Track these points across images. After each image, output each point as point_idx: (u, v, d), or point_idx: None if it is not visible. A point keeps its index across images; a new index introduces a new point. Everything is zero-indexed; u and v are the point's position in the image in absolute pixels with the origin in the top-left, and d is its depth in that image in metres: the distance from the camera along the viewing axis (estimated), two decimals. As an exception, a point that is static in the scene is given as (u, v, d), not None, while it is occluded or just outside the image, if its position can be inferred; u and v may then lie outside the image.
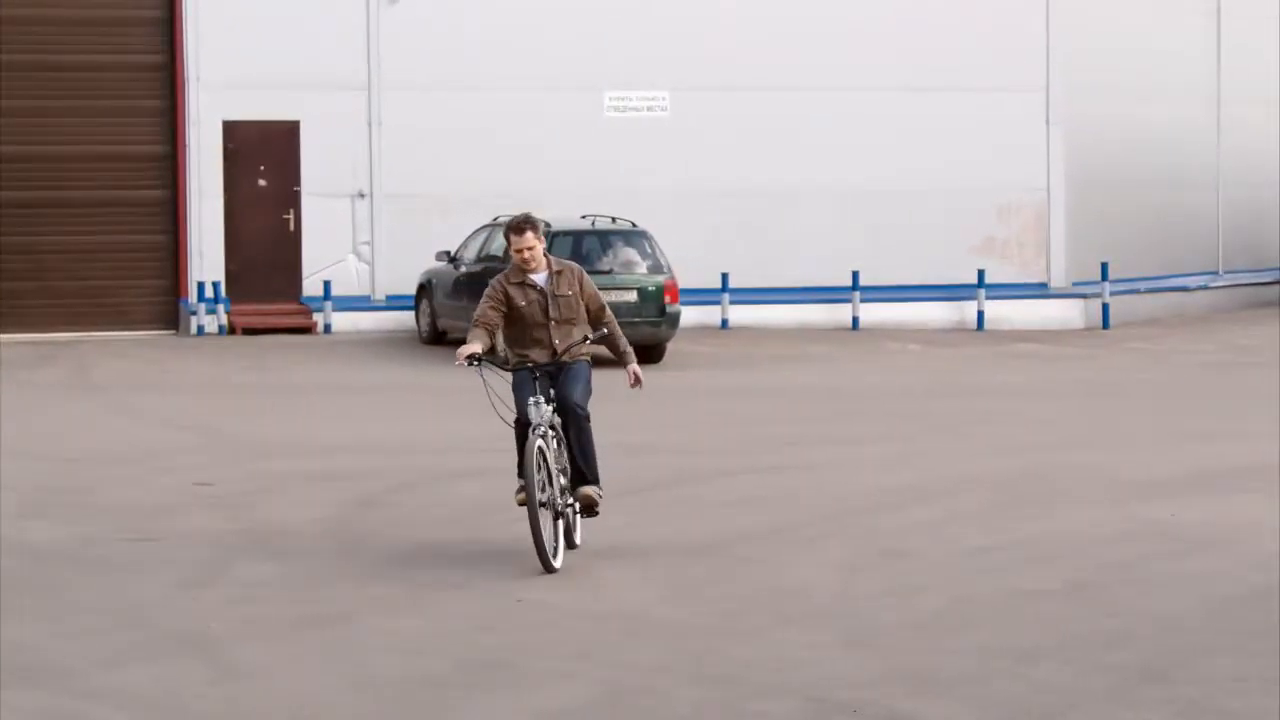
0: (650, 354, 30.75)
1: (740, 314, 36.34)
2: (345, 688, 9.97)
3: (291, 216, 36.70)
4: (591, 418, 15.17)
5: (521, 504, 14.47)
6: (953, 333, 36.09)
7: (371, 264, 35.21)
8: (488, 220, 32.92)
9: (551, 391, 14.96)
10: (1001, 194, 38.40)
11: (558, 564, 14.25)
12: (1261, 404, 24.17)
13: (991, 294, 36.90)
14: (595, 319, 15.40)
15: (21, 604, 12.60)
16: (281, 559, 14.42)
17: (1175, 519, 15.75)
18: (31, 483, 17.92)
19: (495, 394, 14.78)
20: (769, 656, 11.24)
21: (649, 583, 13.68)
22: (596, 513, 15.08)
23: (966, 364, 30.99)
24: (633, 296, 30.71)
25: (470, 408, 16.60)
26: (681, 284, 31.81)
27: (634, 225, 31.94)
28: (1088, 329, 37.06)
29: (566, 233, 31.34)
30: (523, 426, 14.65)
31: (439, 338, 33.51)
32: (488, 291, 15.18)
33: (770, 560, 14.42)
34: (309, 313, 36.11)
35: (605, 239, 31.62)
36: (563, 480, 14.72)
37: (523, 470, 14.62)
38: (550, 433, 14.89)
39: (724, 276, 36.05)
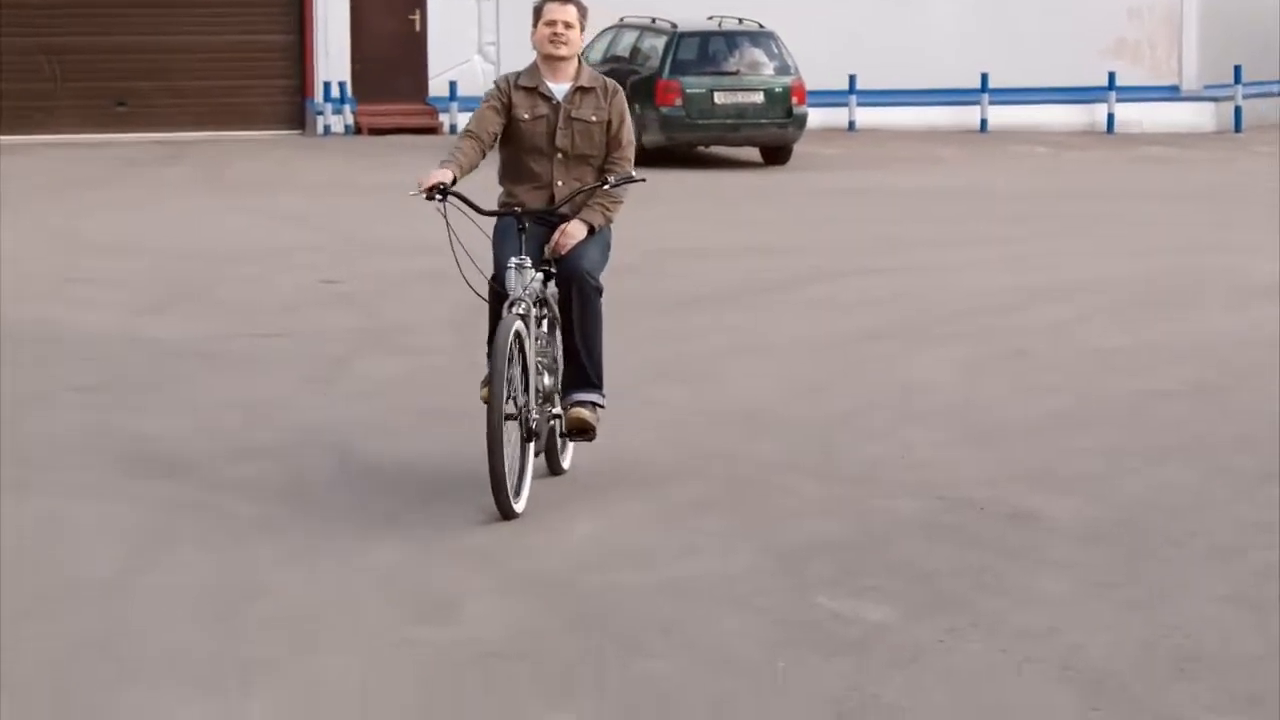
0: (777, 155, 30.91)
1: (867, 116, 36.25)
2: (475, 476, 10.05)
3: (417, 16, 36.65)
4: (604, 292, 10.85)
5: (486, 401, 10.39)
6: (1082, 136, 35.82)
7: (497, 64, 34.99)
8: (613, 22, 32.79)
9: (548, 249, 10.80)
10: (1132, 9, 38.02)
11: (519, 505, 9.96)
12: None
13: (1122, 97, 36.64)
14: (609, 157, 11.01)
15: (151, 399, 12.76)
16: (407, 355, 14.58)
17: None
18: (160, 279, 18.06)
19: (463, 248, 10.49)
20: (894, 454, 11.28)
21: (773, 380, 13.69)
22: (591, 438, 10.77)
23: (1095, 167, 30.78)
24: (759, 98, 30.75)
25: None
26: (808, 85, 31.50)
27: (761, 26, 31.78)
28: (1219, 133, 36.73)
29: (692, 34, 31.22)
30: (498, 297, 10.56)
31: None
32: (489, 91, 11.24)
33: (895, 359, 14.42)
34: (434, 113, 36.16)
35: (732, 40, 31.45)
36: (547, 381, 10.65)
37: (491, 360, 10.42)
38: (535, 311, 10.67)
39: (851, 78, 35.95)
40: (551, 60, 10.90)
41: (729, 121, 31.29)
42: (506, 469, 9.89)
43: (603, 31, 33.04)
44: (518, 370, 10.31)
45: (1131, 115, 36.66)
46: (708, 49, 31.17)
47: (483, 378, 10.52)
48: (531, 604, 8.34)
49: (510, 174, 11.12)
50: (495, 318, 10.53)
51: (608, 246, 11.09)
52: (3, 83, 34.25)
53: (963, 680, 7.54)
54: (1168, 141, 34.79)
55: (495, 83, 11.15)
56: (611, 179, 10.74)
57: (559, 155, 10.87)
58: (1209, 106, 37.49)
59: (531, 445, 10.35)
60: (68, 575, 8.95)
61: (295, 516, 9.99)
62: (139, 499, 10.16)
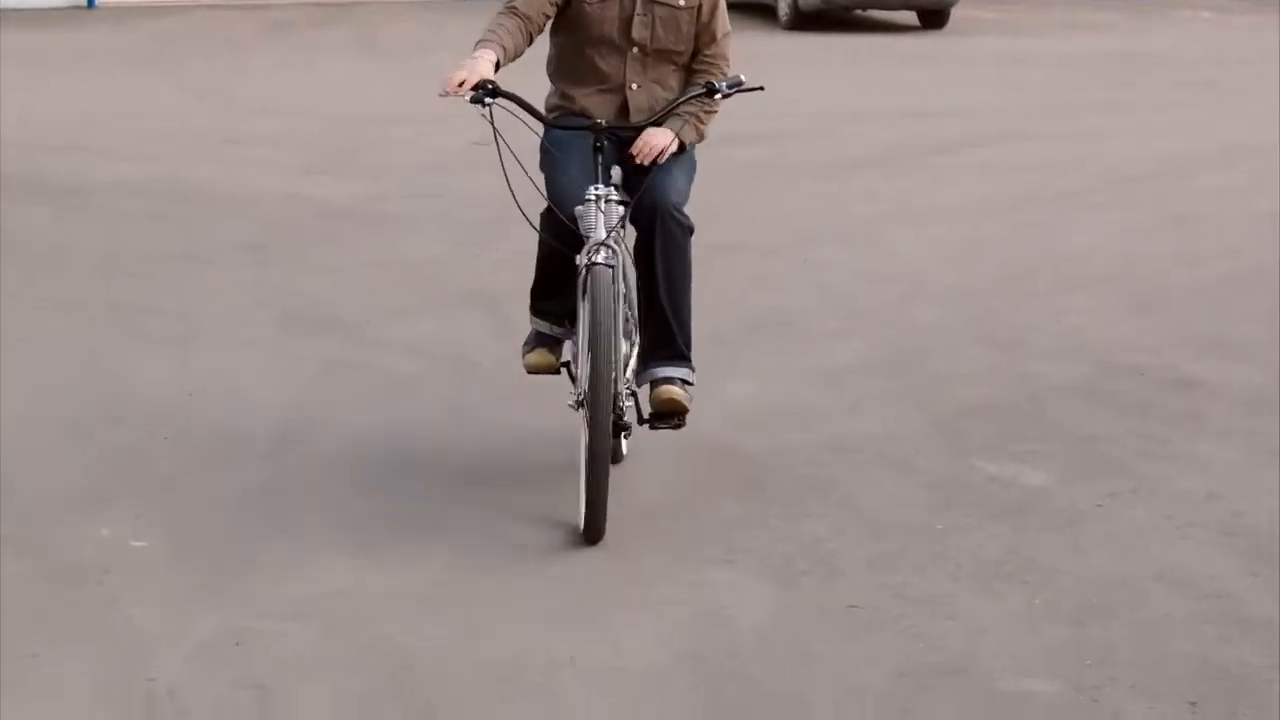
0: (934, 19, 30.56)
1: (1028, -22, 35.92)
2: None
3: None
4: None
5: (535, 371, 8.54)
6: (1247, 1, 35.40)
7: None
8: None
9: (616, 173, 8.11)
10: None
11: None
12: None
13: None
14: (698, 55, 8.29)
15: (310, 258, 12.87)
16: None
17: None
18: (316, 141, 18.13)
19: (515, 159, 7.81)
20: (1052, 320, 11.26)
21: (932, 244, 13.68)
22: (681, 424, 8.17)
23: (1264, 32, 30.39)
24: None
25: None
26: None
27: None
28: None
29: None
30: (561, 235, 7.95)
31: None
32: None
33: (1055, 225, 14.35)
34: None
35: None
36: (625, 350, 8.12)
37: (545, 317, 8.43)
38: (620, 255, 7.99)
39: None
40: None
41: (885, -16, 30.74)
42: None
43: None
44: (609, 343, 7.67)
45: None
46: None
47: (525, 338, 8.49)
48: (692, 464, 8.41)
49: (567, 71, 8.31)
50: (552, 263, 8.14)
51: (693, 170, 8.27)
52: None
53: (1121, 544, 7.57)
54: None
55: None
56: (721, 83, 8.01)
57: (634, 50, 8.12)
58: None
59: (623, 442, 8.25)
60: (230, 430, 9.09)
61: (452, 378, 10.16)
62: (299, 356, 10.31)
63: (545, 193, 8.07)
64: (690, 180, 8.20)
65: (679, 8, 8.10)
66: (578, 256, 7.82)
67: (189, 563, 7.40)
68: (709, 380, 9.38)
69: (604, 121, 8.00)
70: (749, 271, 12.43)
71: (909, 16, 31.10)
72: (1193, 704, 6.09)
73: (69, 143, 17.82)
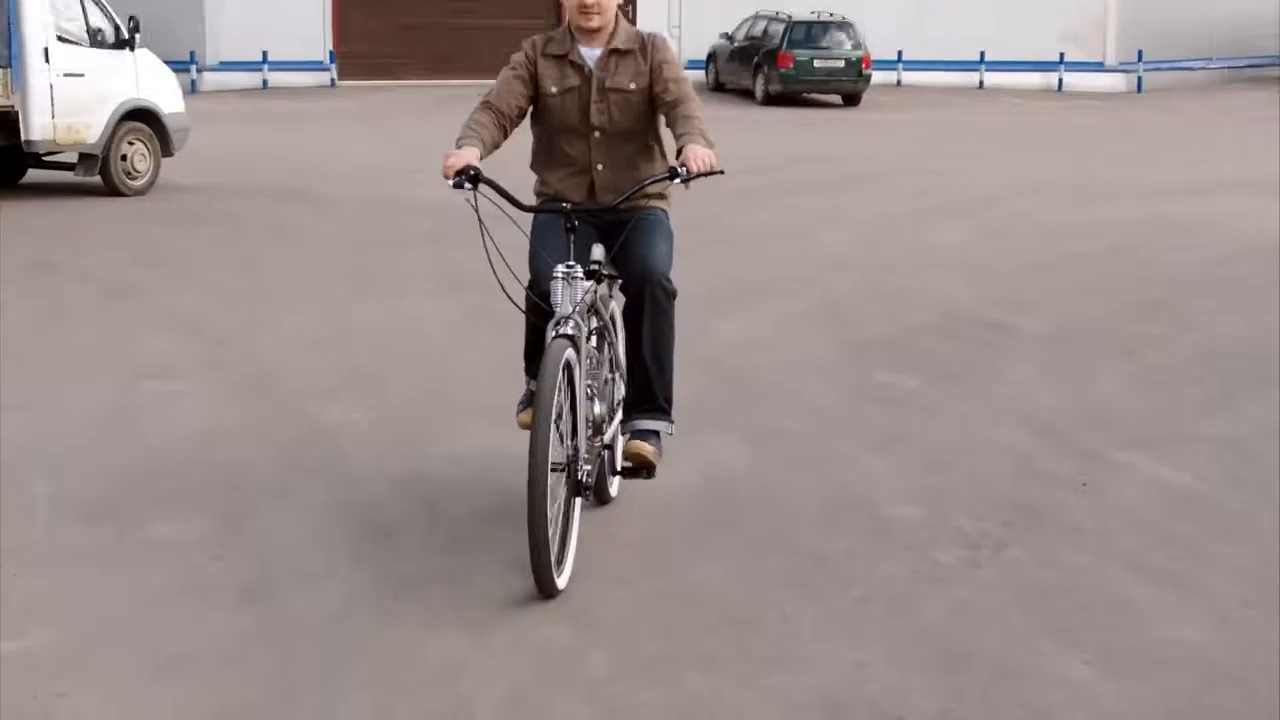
0: (852, 100, 31.70)
1: (909, 77, 36.11)
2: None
3: (629, 10, 36.09)
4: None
5: (525, 427, 5.79)
6: (1042, 92, 35.55)
7: (679, 39, 34.57)
8: (750, 13, 33.48)
9: (597, 251, 5.96)
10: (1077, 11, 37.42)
11: (562, 580, 5.41)
12: (1247, 141, 23.57)
13: (1068, 68, 36.50)
14: (669, 111, 6.01)
15: (465, 241, 12.86)
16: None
17: (1179, 210, 15.44)
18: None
19: (498, 250, 5.65)
20: (920, 287, 11.24)
21: (849, 238, 13.63)
22: (650, 475, 6.03)
23: (1051, 112, 30.41)
24: (842, 64, 31.75)
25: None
26: (873, 56, 32.04)
27: (844, 18, 32.23)
28: (1129, 92, 36.32)
29: (801, 22, 32.26)
30: (537, 309, 5.91)
31: (720, 87, 33.58)
32: (514, 58, 6.16)
33: (922, 228, 14.30)
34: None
35: (825, 26, 32.19)
36: (597, 409, 5.96)
37: (536, 382, 5.56)
38: (584, 328, 5.83)
39: (899, 52, 35.62)
40: (583, 31, 5.99)
41: (822, 79, 31.67)
42: (550, 534, 5.25)
43: (744, 20, 33.64)
44: (566, 405, 5.55)
45: (1073, 81, 36.50)
46: (810, 31, 32.09)
47: (520, 397, 6.18)
48: (697, 374, 8.42)
49: (542, 158, 6.13)
50: (536, 330, 5.91)
51: (672, 238, 6.05)
52: (365, 45, 34.47)
53: (959, 424, 7.54)
54: (1096, 97, 34.59)
55: (521, 46, 6.11)
56: (682, 170, 5.57)
57: (595, 134, 5.93)
58: (1122, 76, 37.14)
59: (578, 502, 5.67)
60: (411, 347, 9.10)
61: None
62: (459, 304, 10.29)
63: (529, 270, 5.85)
64: (671, 247, 6.00)
65: (629, 91, 5.88)
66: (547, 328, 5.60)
67: (389, 427, 7.41)
68: (707, 324, 9.37)
69: (569, 204, 5.77)
70: (735, 255, 12.38)
71: (836, 99, 32.20)
72: (1006, 523, 6.08)
73: (317, 170, 17.86)
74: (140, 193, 16.14)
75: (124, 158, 16.18)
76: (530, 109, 6.00)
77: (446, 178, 5.50)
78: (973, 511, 6.19)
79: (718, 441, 7.12)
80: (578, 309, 5.59)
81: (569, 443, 5.51)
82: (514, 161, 6.25)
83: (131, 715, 4.32)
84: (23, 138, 15.44)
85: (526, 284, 5.87)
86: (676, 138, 5.73)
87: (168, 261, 12.02)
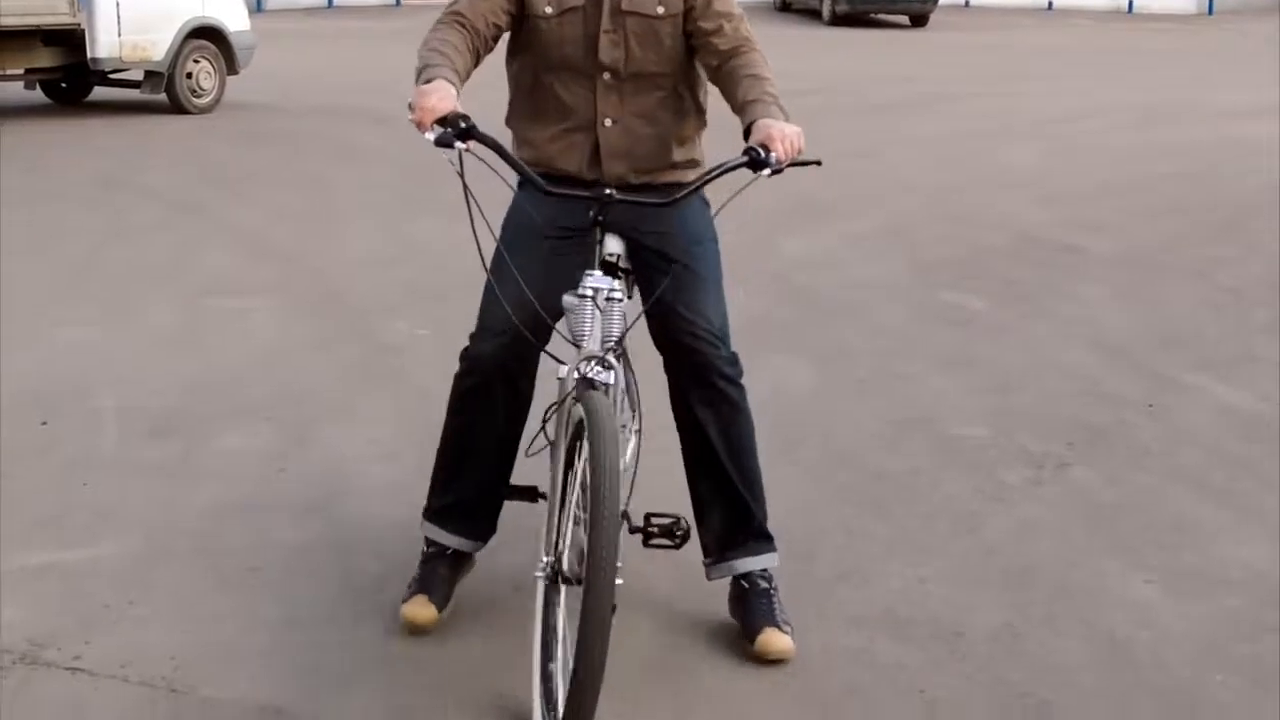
0: (920, 21, 31.28)
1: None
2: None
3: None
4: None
5: (414, 630, 4.22)
6: (1111, 14, 35.23)
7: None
8: None
9: (614, 241, 3.96)
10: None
11: None
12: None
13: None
14: (723, 63, 3.99)
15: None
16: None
17: (1250, 132, 15.26)
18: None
19: (489, 227, 4.01)
20: (990, 207, 11.19)
21: (917, 159, 13.58)
22: (679, 544, 4.00)
23: (1119, 34, 30.12)
24: None
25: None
26: None
27: None
28: (1199, 14, 35.90)
29: None
30: (504, 346, 4.06)
31: (786, 7, 33.25)
32: None
33: (989, 150, 14.22)
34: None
35: None
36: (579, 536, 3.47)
37: (450, 519, 4.31)
38: (612, 376, 3.64)
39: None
40: None
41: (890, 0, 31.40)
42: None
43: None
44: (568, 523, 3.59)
45: (1143, 2, 36.28)
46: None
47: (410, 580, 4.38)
48: (763, 291, 8.42)
49: (524, 108, 4.22)
50: (482, 403, 4.16)
51: (719, 262, 4.24)
52: None
53: (1027, 346, 7.53)
54: (1166, 19, 34.24)
55: None
56: (770, 155, 3.78)
57: (605, 76, 4.08)
58: (1194, -4, 36.90)
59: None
60: (474, 265, 9.13)
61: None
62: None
63: (513, 276, 3.99)
64: (720, 284, 4.18)
65: (656, 18, 4.02)
66: (563, 369, 3.72)
67: (452, 344, 7.48)
68: (772, 240, 9.34)
69: (611, 190, 3.75)
70: (802, 174, 12.29)
71: (904, 19, 31.86)
72: (1071, 443, 6.08)
73: (381, 89, 17.88)
74: (205, 111, 16.24)
75: (189, 76, 16.28)
76: (510, 34, 4.18)
77: (421, 128, 3.64)
78: (1038, 432, 6.19)
79: (783, 361, 7.13)
80: (611, 344, 3.74)
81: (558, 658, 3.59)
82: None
83: (200, 622, 4.41)
84: (89, 56, 15.57)
85: (487, 302, 4.19)
86: (740, 106, 3.96)
87: (233, 179, 12.11)
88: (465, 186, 3.76)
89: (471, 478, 4.27)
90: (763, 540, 4.29)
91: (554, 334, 4.01)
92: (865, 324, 7.90)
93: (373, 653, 4.16)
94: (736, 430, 4.17)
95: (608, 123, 4.09)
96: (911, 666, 4.16)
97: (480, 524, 4.38)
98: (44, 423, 6.16)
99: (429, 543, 4.38)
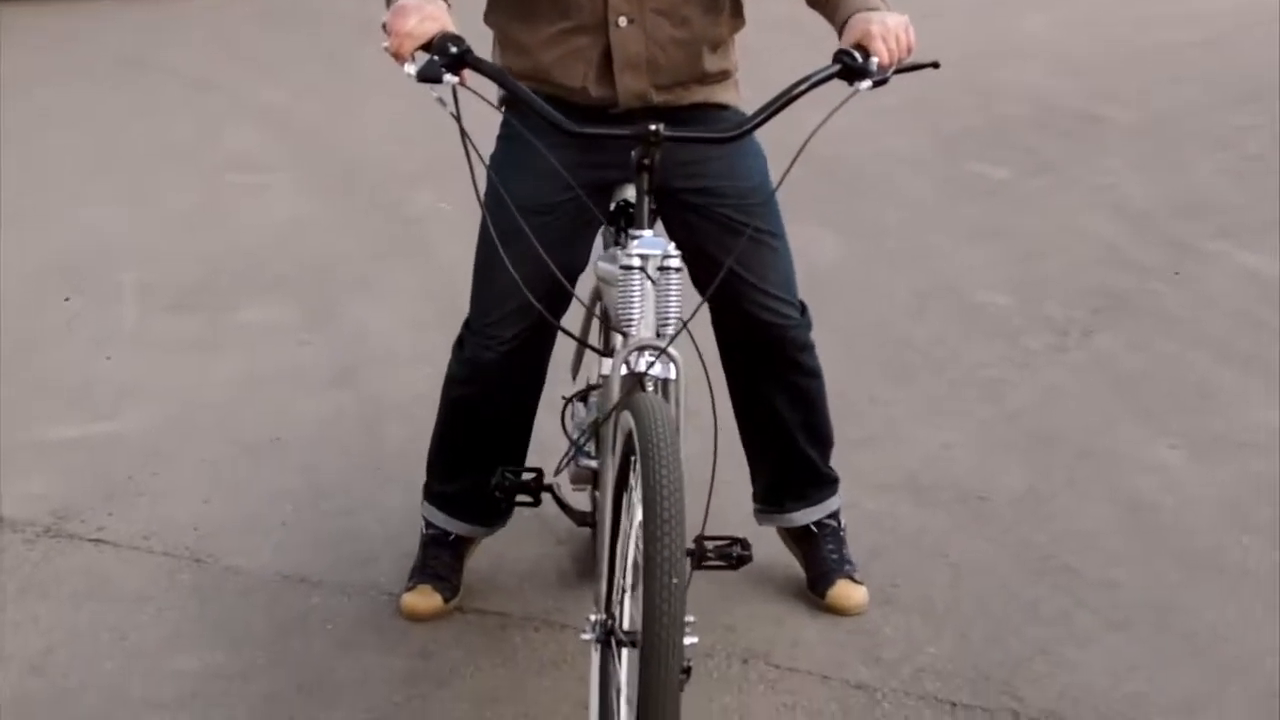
0: None
1: None
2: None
3: None
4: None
5: (416, 618, 3.61)
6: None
7: None
8: None
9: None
10: None
11: None
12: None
13: None
14: None
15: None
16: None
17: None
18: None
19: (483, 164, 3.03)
20: (1009, 77, 10.99)
21: (932, 26, 13.29)
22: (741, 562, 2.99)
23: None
24: None
25: None
26: None
27: None
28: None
29: None
30: (511, 320, 3.25)
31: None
32: None
33: (1009, 19, 13.92)
34: None
35: None
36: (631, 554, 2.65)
37: (455, 505, 3.65)
38: (672, 370, 2.73)
39: None
40: None
41: None
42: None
43: None
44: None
45: None
46: None
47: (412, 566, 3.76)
48: (788, 161, 8.27)
49: (515, 8, 3.26)
50: (484, 390, 3.42)
51: (779, 213, 3.57)
52: None
53: (1051, 214, 7.40)
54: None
55: None
56: (870, 62, 3.06)
57: None
58: None
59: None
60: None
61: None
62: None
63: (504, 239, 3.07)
64: (786, 236, 3.54)
65: None
66: (606, 362, 3.06)
67: (474, 216, 7.39)
68: (801, 111, 9.19)
69: (657, 127, 2.81)
70: (820, 45, 12.12)
71: None
72: (1096, 310, 5.98)
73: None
74: (227, -10, 16.04)
75: (210, -44, 16.06)
76: None
77: (400, 58, 2.85)
78: (1063, 299, 6.08)
79: (810, 233, 7.01)
80: (671, 329, 2.84)
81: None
82: None
83: (224, 493, 4.36)
84: (109, -64, 15.35)
85: (484, 265, 3.33)
86: (831, 6, 3.22)
87: (255, 57, 11.94)
88: (463, 131, 2.88)
89: (474, 471, 3.52)
90: (829, 485, 3.72)
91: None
92: (891, 195, 7.76)
93: (399, 521, 4.11)
94: (810, 398, 3.56)
95: (622, 22, 3.15)
96: (935, 531, 4.10)
97: (490, 511, 3.68)
98: (67, 299, 6.10)
99: (429, 524, 3.69)
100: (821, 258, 6.68)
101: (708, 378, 2.96)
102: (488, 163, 3.12)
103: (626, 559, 2.70)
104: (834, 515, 3.73)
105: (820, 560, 3.68)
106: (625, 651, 2.66)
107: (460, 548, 3.71)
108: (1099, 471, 4.49)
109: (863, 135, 9.10)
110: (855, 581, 3.66)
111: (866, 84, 2.99)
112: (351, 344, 5.59)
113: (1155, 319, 5.89)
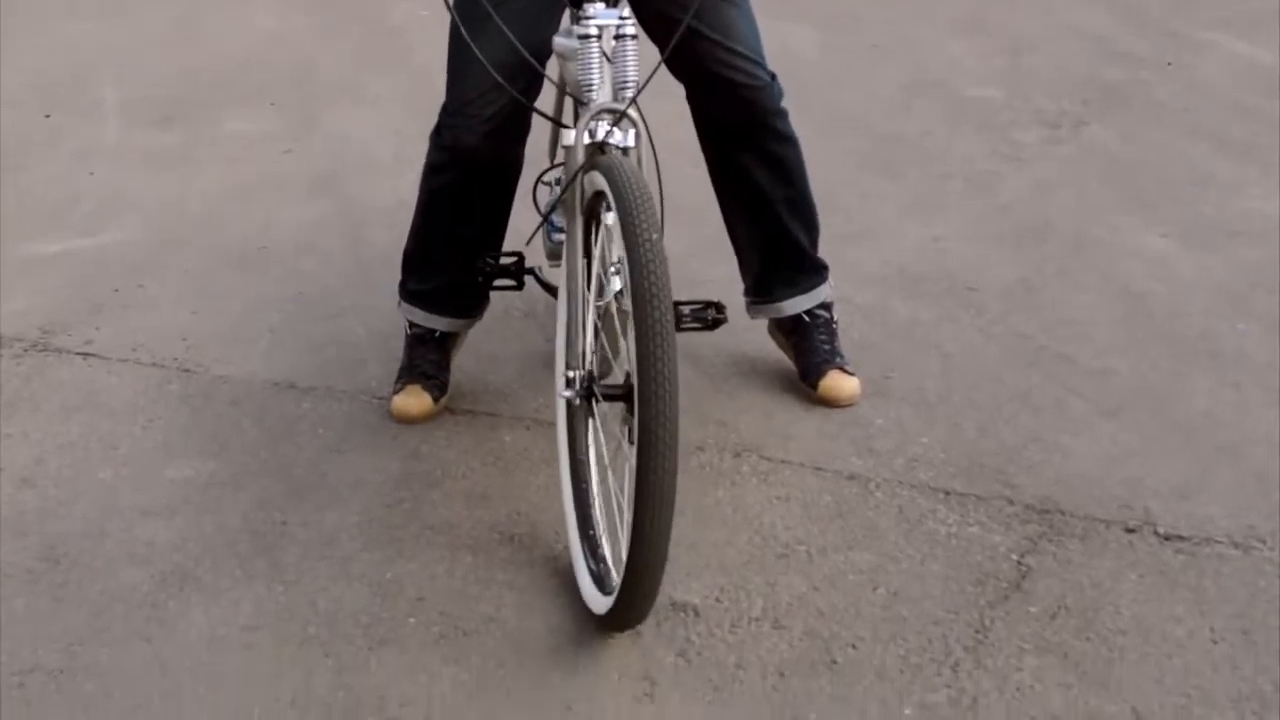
0: None
1: None
2: None
3: None
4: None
5: (407, 420, 3.53)
6: None
7: None
8: None
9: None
10: None
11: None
12: None
13: None
14: None
15: None
16: None
17: None
18: None
19: None
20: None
21: None
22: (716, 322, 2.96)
23: None
24: None
25: None
26: None
27: None
28: None
29: None
30: (482, 105, 3.17)
31: None
32: None
33: None
34: None
35: None
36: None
37: (433, 301, 3.56)
38: (633, 137, 2.71)
39: None
40: None
41: None
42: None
43: None
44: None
45: None
46: None
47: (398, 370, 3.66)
48: None
49: None
50: (487, 181, 3.33)
51: None
52: None
53: (1040, 5, 7.25)
54: None
55: None
56: None
57: None
58: None
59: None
60: None
61: None
62: None
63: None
64: (748, 3, 3.35)
65: None
66: (568, 133, 2.76)
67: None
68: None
69: None
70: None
71: None
72: (1086, 101, 5.87)
73: None
74: None
75: None
76: None
77: None
78: (1053, 92, 5.97)
79: (789, 28, 6.87)
80: (628, 92, 2.80)
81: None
82: None
83: (210, 302, 4.29)
84: None
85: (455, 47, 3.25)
86: None
87: None
88: None
89: (454, 263, 3.49)
90: (818, 272, 3.63)
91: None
92: (876, 136, 7.59)
93: (386, 325, 4.04)
94: (789, 167, 3.44)
95: None
96: (927, 321, 4.04)
97: (470, 301, 3.60)
98: (48, 115, 5.98)
99: (411, 324, 3.63)
100: (802, 52, 6.55)
101: (651, 140, 2.84)
102: None
103: (589, 316, 2.76)
104: (825, 306, 3.66)
105: (811, 350, 3.61)
106: (604, 406, 2.72)
107: (446, 344, 3.65)
108: (1090, 261, 4.42)
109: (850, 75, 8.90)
110: (847, 373, 3.60)
111: None
112: (334, 151, 5.49)
113: (1148, 109, 5.77)
